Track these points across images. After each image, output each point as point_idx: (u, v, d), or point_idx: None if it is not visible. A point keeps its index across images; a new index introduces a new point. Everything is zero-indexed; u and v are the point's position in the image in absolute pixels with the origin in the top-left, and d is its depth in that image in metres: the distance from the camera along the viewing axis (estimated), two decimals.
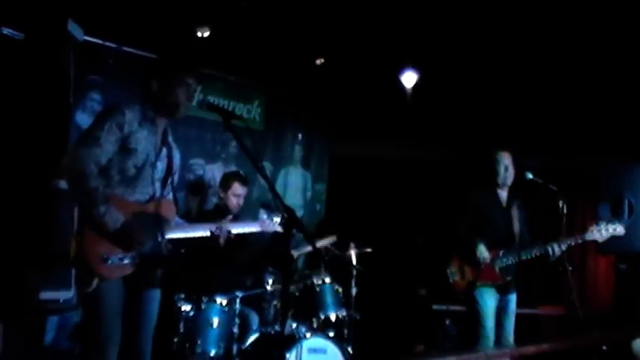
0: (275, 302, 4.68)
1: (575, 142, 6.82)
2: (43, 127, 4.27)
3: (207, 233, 3.61)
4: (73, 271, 4.13)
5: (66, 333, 4.65)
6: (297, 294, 4.76)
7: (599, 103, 6.30)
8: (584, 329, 4.57)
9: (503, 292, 4.54)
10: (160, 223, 3.16)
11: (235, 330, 4.31)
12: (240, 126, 3.13)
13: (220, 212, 4.71)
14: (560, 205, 4.42)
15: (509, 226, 4.59)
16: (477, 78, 6.30)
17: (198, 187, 5.63)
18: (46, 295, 4.14)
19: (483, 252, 4.44)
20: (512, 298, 4.58)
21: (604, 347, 4.07)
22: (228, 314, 4.30)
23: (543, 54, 5.83)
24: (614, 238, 4.47)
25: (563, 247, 4.36)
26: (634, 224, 5.44)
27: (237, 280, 4.70)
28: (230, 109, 5.77)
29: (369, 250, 5.22)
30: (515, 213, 4.63)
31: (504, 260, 4.47)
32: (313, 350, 4.28)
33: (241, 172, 5.17)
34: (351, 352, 4.69)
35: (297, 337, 4.28)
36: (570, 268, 4.41)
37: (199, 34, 5.38)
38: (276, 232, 4.50)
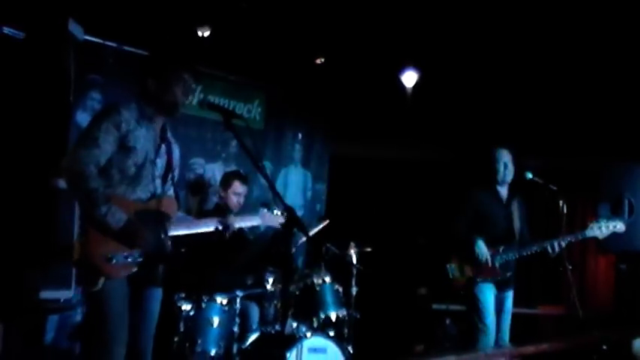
0: (275, 302, 4.67)
1: (575, 142, 6.82)
2: (44, 126, 4.27)
3: (211, 229, 3.60)
4: (74, 271, 4.18)
5: (66, 332, 4.65)
6: (297, 293, 4.75)
7: (599, 103, 6.31)
8: (584, 329, 4.57)
9: (501, 288, 4.55)
10: (162, 221, 3.16)
11: (235, 329, 4.31)
12: (241, 125, 3.13)
13: (221, 211, 4.71)
14: (561, 205, 4.43)
15: (509, 223, 4.60)
16: (477, 78, 6.30)
17: (198, 187, 5.63)
18: (46, 294, 4.14)
19: (483, 249, 4.45)
20: (510, 295, 4.60)
21: (604, 347, 4.06)
22: (228, 313, 4.30)
23: (543, 54, 5.84)
24: (614, 238, 4.48)
25: (564, 244, 4.36)
26: (634, 224, 5.44)
27: (238, 279, 4.70)
28: (230, 108, 5.77)
29: (369, 249, 5.22)
30: (515, 210, 4.64)
31: (504, 256, 4.48)
32: (313, 350, 4.29)
33: (241, 171, 5.17)
34: (351, 351, 4.69)
35: (298, 336, 4.28)
36: (570, 268, 4.42)
37: (200, 34, 5.38)
38: (276, 232, 4.52)
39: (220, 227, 3.73)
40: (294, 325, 4.44)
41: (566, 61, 5.89)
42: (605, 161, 6.29)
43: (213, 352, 4.17)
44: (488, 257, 4.45)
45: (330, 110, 6.84)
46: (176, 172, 3.32)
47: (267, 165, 6.16)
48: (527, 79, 6.24)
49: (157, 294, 3.26)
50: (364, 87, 6.52)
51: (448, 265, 4.61)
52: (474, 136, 6.86)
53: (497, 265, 4.47)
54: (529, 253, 4.44)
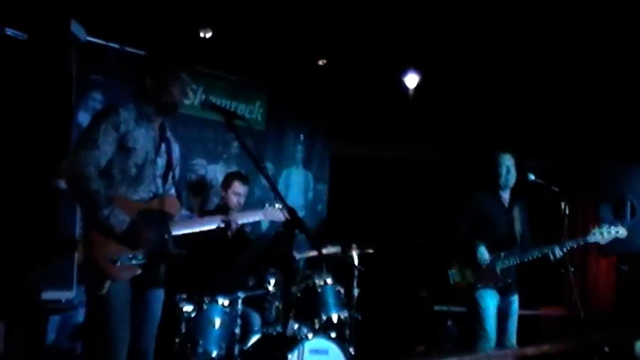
0: (277, 303, 4.67)
1: (576, 143, 6.82)
2: (45, 127, 4.28)
3: (214, 226, 3.60)
4: (75, 271, 4.18)
5: (67, 333, 4.65)
6: (298, 295, 4.75)
7: (600, 104, 6.31)
8: (586, 330, 4.57)
9: (504, 293, 4.54)
10: (165, 220, 3.16)
11: (237, 330, 4.30)
12: (242, 126, 3.13)
13: (221, 211, 4.71)
14: (562, 207, 4.42)
15: (510, 228, 4.59)
16: (478, 79, 6.30)
17: (199, 187, 5.63)
18: (47, 295, 4.15)
19: (484, 254, 4.44)
20: (515, 299, 4.58)
21: (606, 348, 4.06)
22: (230, 315, 4.30)
23: (544, 56, 5.83)
24: (615, 240, 4.47)
25: (565, 250, 4.36)
26: (636, 225, 5.42)
27: (239, 280, 4.70)
28: (232, 109, 5.77)
29: (370, 250, 5.22)
30: (516, 214, 4.63)
31: (505, 262, 4.47)
32: (315, 351, 4.28)
33: (243, 172, 5.17)
34: (352, 352, 4.69)
35: (299, 337, 4.28)
36: (572, 269, 4.41)
37: (201, 34, 5.38)
38: (277, 233, 4.52)
39: (223, 224, 3.72)
40: (296, 326, 4.44)
41: (567, 61, 5.89)
42: (606, 162, 6.28)
43: (214, 354, 4.17)
44: (490, 263, 4.44)
45: (332, 111, 6.84)
46: (177, 171, 3.31)
47: (269, 166, 6.16)
48: (528, 80, 6.23)
49: (159, 295, 3.25)
50: (366, 88, 6.52)
51: (449, 271, 4.60)
52: (475, 137, 6.86)
53: (498, 270, 4.46)
54: (530, 258, 4.43)
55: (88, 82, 4.86)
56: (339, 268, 5.06)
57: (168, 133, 3.26)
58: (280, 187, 6.21)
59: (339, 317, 4.67)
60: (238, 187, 4.88)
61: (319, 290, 4.71)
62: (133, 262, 2.98)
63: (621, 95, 6.15)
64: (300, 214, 6.14)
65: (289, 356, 4.15)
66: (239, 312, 4.34)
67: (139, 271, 3.01)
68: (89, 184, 2.89)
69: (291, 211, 2.76)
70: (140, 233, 2.98)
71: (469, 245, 4.48)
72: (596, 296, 7.13)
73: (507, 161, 4.60)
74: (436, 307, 6.31)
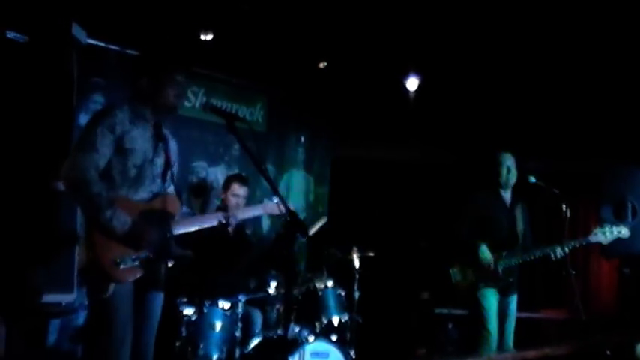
0: (278, 306, 4.67)
1: (577, 145, 6.82)
2: (47, 129, 4.28)
3: (214, 223, 3.60)
4: (76, 274, 4.18)
5: (68, 335, 4.65)
6: (299, 297, 4.75)
7: (602, 106, 6.30)
8: (588, 333, 4.56)
9: (504, 293, 4.54)
10: (166, 220, 3.15)
11: (238, 334, 4.30)
12: (243, 128, 3.13)
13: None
14: (564, 209, 4.42)
15: (512, 227, 4.60)
16: (479, 81, 6.30)
17: (200, 190, 5.63)
18: (48, 297, 4.14)
19: (486, 254, 4.45)
20: (513, 299, 4.59)
21: (607, 351, 4.05)
22: (230, 318, 4.30)
23: (545, 57, 5.83)
24: (617, 241, 4.46)
25: (567, 250, 4.35)
26: (637, 227, 5.42)
27: (240, 283, 4.70)
28: (233, 111, 5.77)
29: (371, 253, 5.21)
30: (518, 214, 4.64)
31: (507, 261, 4.47)
32: (316, 354, 4.28)
33: (243, 174, 5.18)
34: (353, 355, 4.69)
35: (300, 340, 4.28)
36: (573, 272, 4.41)
37: (202, 37, 5.38)
38: (278, 235, 4.51)
39: (223, 220, 3.72)
40: (297, 329, 4.44)
41: (568, 63, 5.88)
42: (607, 164, 6.27)
43: (215, 357, 4.16)
44: (492, 262, 4.44)
45: (333, 114, 6.84)
46: (174, 168, 3.29)
47: (270, 168, 6.16)
48: (529, 82, 6.23)
49: (159, 297, 3.25)
50: (367, 90, 6.52)
51: (451, 270, 4.60)
52: (477, 139, 6.86)
53: (500, 270, 4.46)
54: (532, 258, 4.43)
55: (89, 85, 4.86)
56: (340, 270, 5.06)
57: (165, 131, 3.24)
58: (281, 190, 6.21)
59: (340, 320, 4.67)
60: (237, 189, 4.88)
61: (320, 293, 4.70)
62: (136, 262, 2.98)
63: (622, 97, 6.15)
64: (301, 216, 6.15)
65: (290, 359, 4.15)
66: (240, 315, 4.33)
67: (140, 273, 3.01)
68: (90, 188, 2.89)
69: (292, 213, 2.76)
70: (142, 234, 2.98)
71: (471, 245, 4.48)
72: (597, 298, 7.12)
73: (508, 161, 4.61)
74: (437, 310, 6.30)
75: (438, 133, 7.09)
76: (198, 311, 4.26)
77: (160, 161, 3.18)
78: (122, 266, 2.93)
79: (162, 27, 4.96)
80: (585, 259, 7.18)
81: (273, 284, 4.57)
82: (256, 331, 4.63)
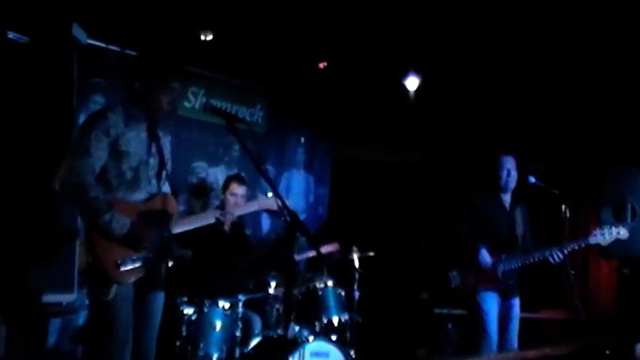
0: (278, 306, 4.68)
1: (577, 147, 6.82)
2: (47, 130, 4.28)
3: (212, 220, 3.60)
4: (76, 274, 4.18)
5: (68, 335, 4.65)
6: (299, 297, 4.76)
7: (602, 107, 6.31)
8: (587, 333, 4.56)
9: (505, 296, 4.53)
10: (164, 219, 3.15)
11: (238, 333, 4.30)
12: (243, 129, 3.13)
13: None
14: (563, 210, 4.42)
15: (512, 230, 4.59)
16: (479, 82, 6.30)
17: (201, 190, 5.64)
18: (48, 298, 4.15)
19: (485, 256, 4.44)
20: (516, 302, 4.57)
21: (607, 352, 4.05)
22: (230, 318, 4.30)
23: (546, 59, 5.84)
24: (617, 243, 4.46)
25: (566, 252, 4.35)
26: (637, 228, 5.42)
27: (240, 283, 4.70)
28: (233, 112, 5.79)
29: (371, 253, 5.22)
30: (518, 216, 4.63)
31: (507, 264, 4.47)
32: (316, 354, 4.28)
33: (242, 174, 5.19)
34: (353, 355, 4.69)
35: (300, 340, 4.28)
36: (573, 272, 4.41)
37: (202, 37, 5.38)
38: (279, 236, 4.51)
39: (220, 217, 3.72)
40: (297, 329, 4.44)
41: (569, 64, 5.89)
42: (608, 165, 6.28)
43: (215, 357, 4.16)
44: (491, 265, 4.44)
45: (333, 114, 6.84)
46: (168, 166, 3.29)
47: (270, 169, 6.16)
48: (530, 83, 6.24)
49: (160, 297, 3.26)
50: (367, 91, 6.52)
51: (450, 273, 4.60)
52: (477, 141, 6.86)
53: (499, 273, 4.46)
54: (532, 261, 4.42)
55: (89, 85, 4.86)
56: (340, 270, 5.06)
57: (158, 131, 3.23)
58: (281, 190, 6.20)
59: (339, 320, 4.67)
60: (235, 188, 4.90)
61: (320, 293, 4.70)
62: (137, 263, 2.99)
63: (623, 99, 6.15)
64: (301, 217, 6.15)
65: (290, 359, 4.15)
66: (240, 315, 4.34)
67: (141, 274, 3.02)
68: (88, 192, 2.90)
69: (292, 214, 2.77)
70: (142, 235, 2.99)
71: (470, 247, 4.48)
72: (597, 299, 7.12)
73: (508, 164, 4.60)
74: (437, 310, 6.31)
75: (438, 135, 7.10)
76: (199, 311, 4.27)
77: (154, 162, 3.17)
78: (123, 268, 2.94)
79: (162, 27, 4.97)
80: (585, 259, 7.18)
81: (273, 284, 4.58)
82: (256, 331, 4.63)
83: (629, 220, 5.59)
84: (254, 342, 4.43)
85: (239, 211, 4.16)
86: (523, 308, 4.67)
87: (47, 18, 4.33)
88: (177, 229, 3.27)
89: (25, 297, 4.05)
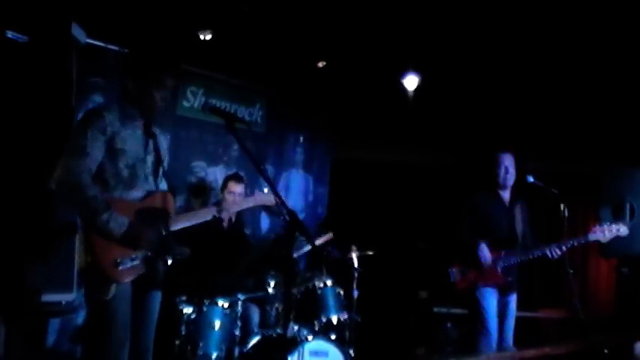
0: (277, 305, 4.68)
1: (576, 146, 6.83)
2: (46, 129, 4.28)
3: (209, 217, 3.60)
4: (75, 274, 4.18)
5: (67, 335, 4.65)
6: (298, 296, 4.76)
7: (601, 107, 6.31)
8: (586, 332, 4.57)
9: (504, 292, 4.55)
10: (162, 217, 3.15)
11: (237, 332, 4.30)
12: (243, 129, 3.13)
13: None
14: (562, 209, 4.43)
15: (511, 227, 4.61)
16: (478, 82, 6.30)
17: (200, 190, 5.64)
18: (47, 297, 4.15)
19: (486, 253, 4.46)
20: (513, 298, 4.60)
21: (606, 351, 4.06)
22: (229, 317, 4.30)
23: (545, 58, 5.84)
24: (616, 241, 4.47)
25: (566, 247, 4.36)
26: (636, 227, 5.43)
27: (239, 282, 4.70)
28: (232, 111, 5.78)
29: (370, 252, 5.22)
30: (517, 213, 4.65)
31: (507, 261, 4.48)
32: (315, 353, 4.29)
33: (241, 173, 5.19)
34: (352, 354, 4.69)
35: (299, 339, 4.28)
36: (572, 271, 4.42)
37: (201, 37, 5.38)
38: (278, 236, 4.51)
39: (217, 213, 3.72)
40: (296, 328, 4.44)
41: (568, 64, 5.89)
42: (606, 165, 6.29)
43: (214, 356, 4.17)
44: (491, 262, 4.45)
45: (332, 113, 6.84)
46: (165, 163, 3.28)
47: (269, 168, 6.17)
48: (529, 82, 6.24)
49: (157, 296, 3.25)
50: (366, 90, 6.52)
51: (450, 270, 4.61)
52: (476, 140, 6.86)
53: (499, 269, 4.47)
54: (531, 257, 4.44)
55: (88, 85, 4.86)
56: (339, 269, 5.07)
57: (155, 128, 3.22)
58: (280, 190, 6.21)
59: (338, 319, 4.67)
60: (233, 186, 4.93)
61: (319, 292, 4.71)
62: (136, 262, 2.99)
63: (622, 99, 6.16)
64: (301, 216, 6.16)
65: (289, 358, 4.16)
66: (239, 314, 4.34)
67: (140, 272, 3.01)
68: (85, 192, 2.89)
69: (291, 213, 2.77)
70: (140, 234, 2.99)
71: (470, 244, 4.50)
72: (596, 298, 7.13)
73: (506, 161, 4.63)
74: (436, 309, 6.31)
75: (438, 135, 7.10)
76: (198, 310, 4.27)
77: (150, 159, 3.17)
78: (122, 267, 2.94)
79: (161, 27, 4.97)
80: (584, 258, 7.19)
81: (272, 283, 4.58)
82: (254, 327, 4.63)
83: (627, 220, 5.60)
84: (253, 341, 4.43)
85: (236, 208, 4.17)
86: (522, 307, 4.69)
87: (46, 17, 4.33)
88: (175, 227, 3.26)
89: (24, 296, 4.05)
